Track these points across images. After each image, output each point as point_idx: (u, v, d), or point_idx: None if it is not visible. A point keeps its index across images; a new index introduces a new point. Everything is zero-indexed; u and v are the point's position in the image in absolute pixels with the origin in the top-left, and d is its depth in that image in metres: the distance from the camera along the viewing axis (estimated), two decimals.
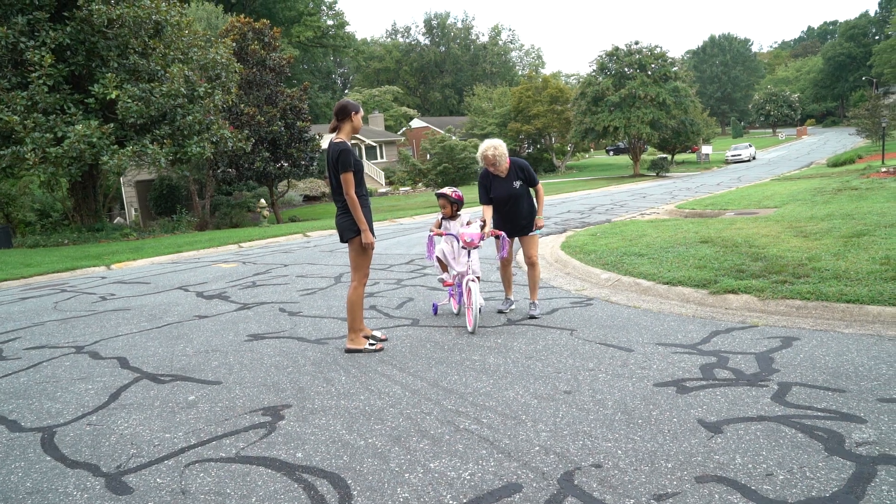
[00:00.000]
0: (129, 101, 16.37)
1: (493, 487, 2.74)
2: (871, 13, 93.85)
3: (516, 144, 50.37)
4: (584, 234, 10.64)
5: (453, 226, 5.70)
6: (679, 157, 54.30)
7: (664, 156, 44.78)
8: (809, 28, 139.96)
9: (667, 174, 40.29)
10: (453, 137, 44.83)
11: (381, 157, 46.79)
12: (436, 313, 6.01)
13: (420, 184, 41.53)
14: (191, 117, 17.92)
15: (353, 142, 4.85)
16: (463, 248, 5.41)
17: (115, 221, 26.49)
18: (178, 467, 3.10)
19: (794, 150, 55.40)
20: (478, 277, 5.43)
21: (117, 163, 16.19)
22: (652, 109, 37.03)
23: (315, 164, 28.36)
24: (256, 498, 2.77)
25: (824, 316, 5.06)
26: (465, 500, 2.64)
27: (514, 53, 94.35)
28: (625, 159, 54.94)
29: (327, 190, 36.13)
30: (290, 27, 58.75)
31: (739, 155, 49.34)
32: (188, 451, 3.28)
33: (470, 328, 5.22)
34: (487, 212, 5.62)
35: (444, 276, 5.88)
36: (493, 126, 49.52)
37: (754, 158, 49.89)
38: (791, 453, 2.86)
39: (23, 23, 15.78)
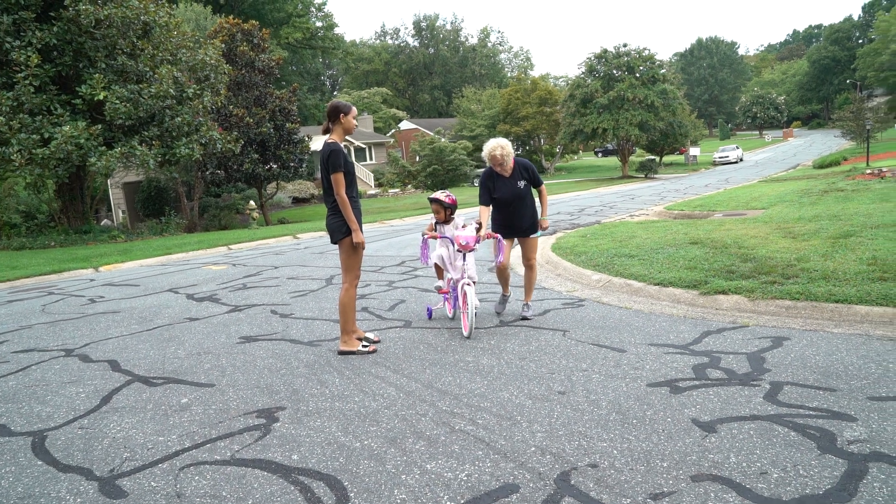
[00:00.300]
0: (118, 102, 16.24)
1: (490, 488, 2.74)
2: (855, 17, 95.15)
3: None
4: (574, 235, 10.68)
5: (448, 230, 5.60)
6: (667, 158, 54.68)
7: (652, 157, 45.12)
8: (795, 31, 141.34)
9: (655, 176, 40.58)
10: (442, 139, 44.85)
11: (371, 159, 46.60)
12: (430, 318, 5.95)
13: (409, 185, 41.47)
14: (179, 119, 17.81)
15: (342, 143, 4.86)
16: (458, 251, 5.33)
17: (102, 223, 26.20)
18: (172, 470, 3.08)
19: (780, 152, 55.90)
20: (473, 281, 5.33)
21: (105, 164, 16.05)
22: (640, 111, 37.31)
23: (304, 165, 28.26)
24: (253, 500, 2.75)
25: (814, 316, 5.12)
26: (462, 501, 2.65)
27: (503, 55, 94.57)
28: (613, 161, 55.31)
29: (316, 192, 35.98)
30: (279, 28, 58.53)
31: (727, 157, 49.76)
32: (183, 454, 3.26)
33: (465, 333, 5.14)
34: (485, 213, 5.51)
35: (440, 283, 5.76)
36: (483, 128, 49.54)
37: (742, 160, 50.30)
38: (784, 452, 2.89)
39: (8, 22, 15.59)
